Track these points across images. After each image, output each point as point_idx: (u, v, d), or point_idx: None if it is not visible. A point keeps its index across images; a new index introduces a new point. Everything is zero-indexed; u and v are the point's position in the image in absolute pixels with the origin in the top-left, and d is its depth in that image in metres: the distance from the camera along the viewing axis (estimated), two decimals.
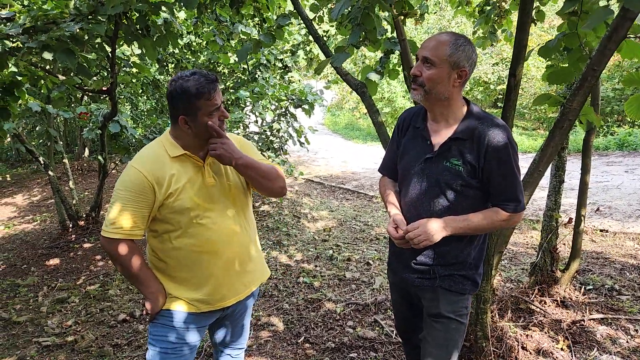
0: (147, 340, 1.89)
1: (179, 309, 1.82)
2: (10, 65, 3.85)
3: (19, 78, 3.80)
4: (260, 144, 6.24)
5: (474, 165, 1.72)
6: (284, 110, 6.29)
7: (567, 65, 2.52)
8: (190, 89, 1.65)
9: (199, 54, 6.55)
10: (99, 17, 3.29)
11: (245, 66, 6.75)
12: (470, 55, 1.71)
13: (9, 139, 11.67)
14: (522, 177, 2.39)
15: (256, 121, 7.07)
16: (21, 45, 3.08)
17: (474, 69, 1.77)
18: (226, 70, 7.10)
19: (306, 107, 6.03)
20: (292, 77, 8.17)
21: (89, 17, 3.22)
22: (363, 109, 18.79)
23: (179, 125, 1.73)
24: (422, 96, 1.74)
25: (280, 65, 7.42)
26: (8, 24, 3.38)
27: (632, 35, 2.23)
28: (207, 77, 1.68)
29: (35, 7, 3.39)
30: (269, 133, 6.34)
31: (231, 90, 6.65)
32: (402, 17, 2.98)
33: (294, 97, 6.10)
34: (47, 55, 2.94)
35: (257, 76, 6.65)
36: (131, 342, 3.43)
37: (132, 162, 1.75)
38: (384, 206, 2.05)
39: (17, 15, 3.50)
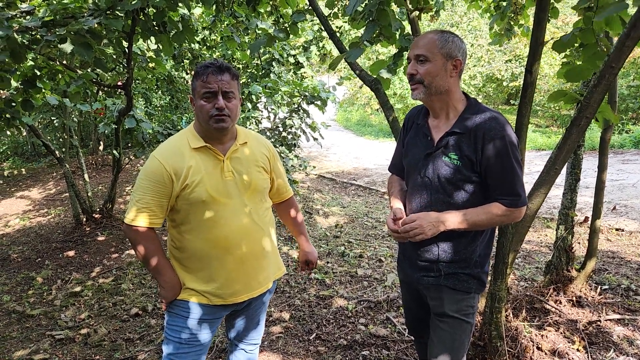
0: (164, 330, 1.93)
1: (193, 300, 1.85)
2: (28, 59, 3.89)
3: (38, 72, 3.85)
4: (273, 140, 6.25)
5: (472, 159, 1.71)
6: (296, 106, 6.28)
7: (583, 62, 2.49)
8: (195, 70, 1.80)
9: (214, 49, 6.57)
10: (117, 13, 3.32)
11: (259, 61, 6.75)
12: (460, 45, 1.75)
13: (24, 133, 11.86)
14: (538, 174, 2.38)
15: (268, 117, 7.06)
16: (40, 38, 3.12)
17: (466, 59, 1.81)
18: (240, 66, 7.12)
19: (319, 103, 6.02)
20: (304, 72, 8.16)
21: (107, 12, 3.25)
22: (375, 105, 18.74)
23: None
24: (423, 92, 1.75)
25: (292, 60, 7.42)
26: (28, 17, 3.43)
27: None
28: (210, 61, 1.79)
29: (54, 2, 3.44)
30: (281, 129, 6.34)
31: (245, 86, 6.67)
32: (418, 13, 2.95)
33: (306, 94, 6.09)
34: (67, 48, 2.97)
35: (270, 71, 6.65)
36: (143, 336, 3.45)
37: (154, 152, 1.81)
38: (389, 203, 2.07)
39: (37, 8, 3.54)
